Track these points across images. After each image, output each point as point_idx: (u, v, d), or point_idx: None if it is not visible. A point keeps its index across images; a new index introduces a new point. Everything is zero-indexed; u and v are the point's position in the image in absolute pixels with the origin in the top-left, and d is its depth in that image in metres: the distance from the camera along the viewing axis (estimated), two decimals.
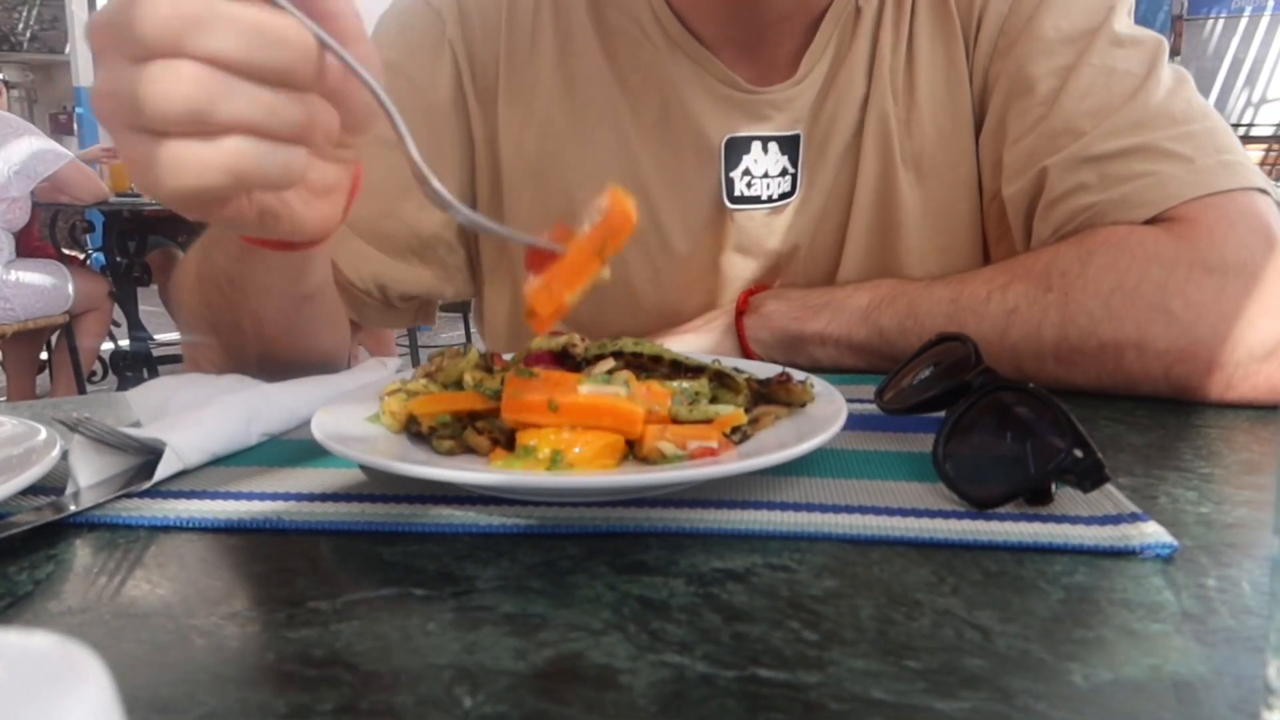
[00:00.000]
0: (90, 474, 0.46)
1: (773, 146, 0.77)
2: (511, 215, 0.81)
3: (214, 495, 0.46)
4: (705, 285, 0.80)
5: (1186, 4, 5.92)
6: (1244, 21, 5.85)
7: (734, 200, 0.77)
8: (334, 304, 0.73)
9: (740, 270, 0.79)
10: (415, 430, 0.49)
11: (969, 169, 0.77)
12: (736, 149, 0.77)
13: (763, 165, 0.77)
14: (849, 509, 0.42)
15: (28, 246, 3.38)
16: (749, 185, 0.77)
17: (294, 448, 0.54)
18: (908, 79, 0.76)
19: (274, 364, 0.68)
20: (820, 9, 0.76)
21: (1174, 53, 5.88)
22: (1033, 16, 0.72)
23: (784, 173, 0.77)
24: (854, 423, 0.54)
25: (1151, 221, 0.65)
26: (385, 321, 0.86)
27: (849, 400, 0.51)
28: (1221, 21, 5.89)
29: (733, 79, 0.76)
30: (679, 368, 0.52)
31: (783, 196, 0.77)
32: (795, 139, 0.77)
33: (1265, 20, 5.81)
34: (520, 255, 0.82)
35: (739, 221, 0.78)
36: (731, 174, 0.77)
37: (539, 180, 0.80)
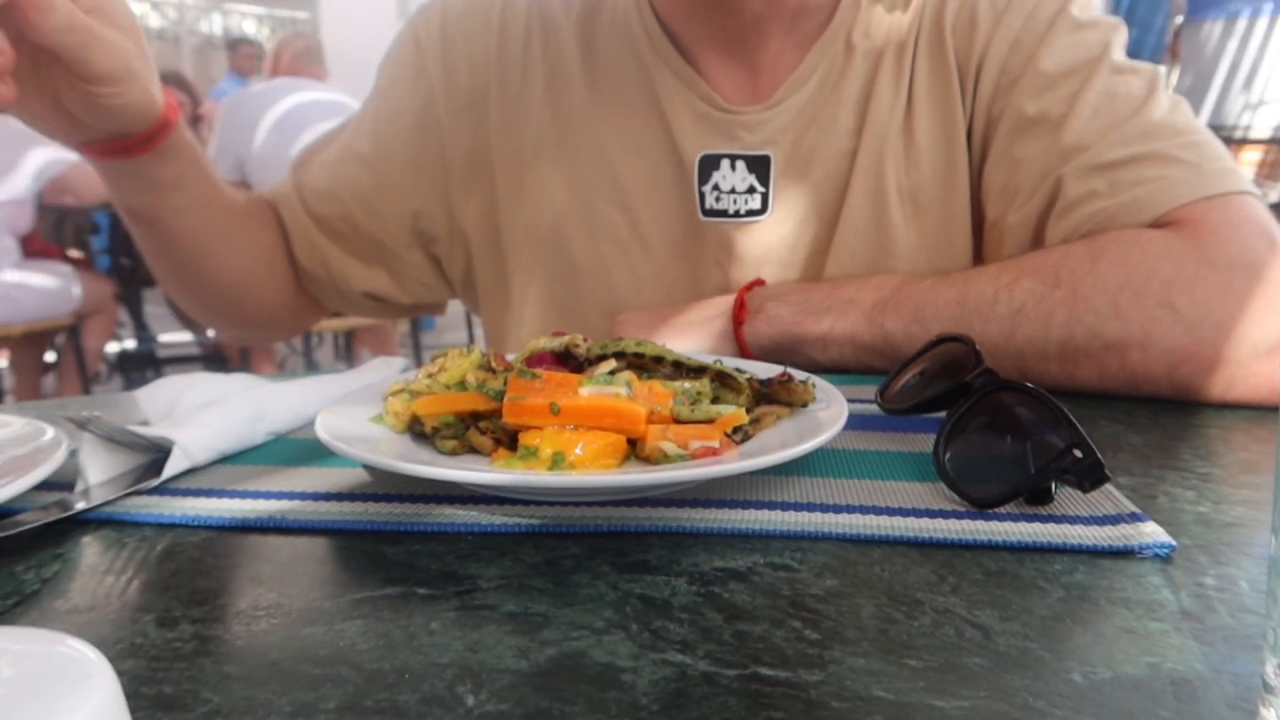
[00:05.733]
0: (100, 471, 0.47)
1: (740, 164, 0.80)
2: (504, 223, 0.87)
3: (221, 494, 0.46)
4: (685, 295, 0.82)
5: (1185, 6, 5.91)
6: (1242, 24, 5.84)
7: (706, 214, 0.81)
8: (218, 211, 0.81)
9: (718, 282, 0.82)
10: (418, 430, 0.49)
11: (962, 203, 0.79)
12: (708, 165, 0.80)
13: (730, 181, 0.80)
14: (850, 509, 0.42)
15: (33, 249, 3.38)
16: (718, 199, 0.80)
17: (300, 447, 0.54)
18: (907, 119, 0.79)
19: (211, 288, 0.85)
20: (791, 14, 0.78)
21: (1173, 55, 5.86)
22: (1033, 55, 0.74)
23: (752, 190, 0.80)
24: (855, 423, 0.54)
25: (1159, 224, 0.66)
26: (345, 307, 0.96)
27: (850, 400, 0.51)
28: (1220, 24, 5.87)
29: (712, 97, 0.80)
30: (681, 368, 0.52)
31: (751, 213, 0.80)
32: (765, 159, 0.79)
33: (1263, 23, 5.80)
34: (513, 279, 0.86)
35: (712, 234, 0.81)
36: (703, 188, 0.80)
37: (527, 195, 0.85)
